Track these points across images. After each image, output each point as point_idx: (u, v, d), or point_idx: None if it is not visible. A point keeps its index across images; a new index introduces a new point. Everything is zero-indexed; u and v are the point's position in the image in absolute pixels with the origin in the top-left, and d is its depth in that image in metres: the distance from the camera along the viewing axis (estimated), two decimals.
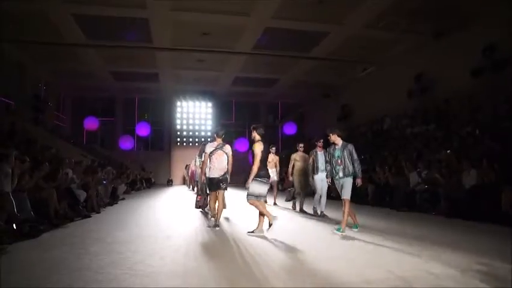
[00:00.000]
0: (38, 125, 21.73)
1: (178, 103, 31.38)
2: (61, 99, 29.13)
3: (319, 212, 8.65)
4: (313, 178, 8.80)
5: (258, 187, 6.14)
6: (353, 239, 5.77)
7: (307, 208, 9.31)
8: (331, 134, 6.50)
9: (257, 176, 6.13)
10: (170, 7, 14.48)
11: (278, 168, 11.37)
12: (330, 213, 8.56)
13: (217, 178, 6.76)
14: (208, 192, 7.59)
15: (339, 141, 6.46)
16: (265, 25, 16.14)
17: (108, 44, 18.50)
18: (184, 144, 31.60)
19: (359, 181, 6.27)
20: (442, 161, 10.58)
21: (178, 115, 31.63)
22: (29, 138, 15.39)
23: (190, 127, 31.92)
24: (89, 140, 29.84)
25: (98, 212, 9.26)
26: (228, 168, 6.87)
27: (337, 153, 6.40)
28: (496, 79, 13.00)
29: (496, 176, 8.10)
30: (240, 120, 33.38)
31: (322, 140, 8.53)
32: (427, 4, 13.80)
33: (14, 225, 5.39)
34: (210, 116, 32.05)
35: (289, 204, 10.54)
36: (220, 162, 6.79)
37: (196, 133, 31.89)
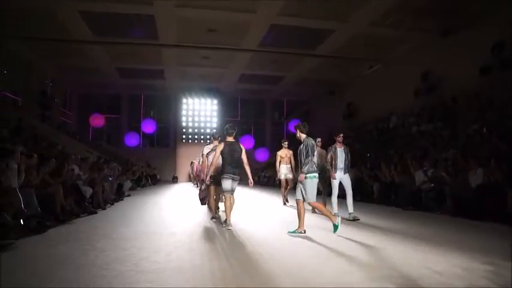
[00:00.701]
0: (45, 121, 21.88)
1: (184, 100, 31.48)
2: (67, 96, 29.33)
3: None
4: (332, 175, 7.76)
5: (223, 183, 6.55)
6: (357, 237, 5.76)
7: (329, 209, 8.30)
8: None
9: (222, 172, 6.55)
10: (176, 4, 14.52)
11: (293, 163, 10.31)
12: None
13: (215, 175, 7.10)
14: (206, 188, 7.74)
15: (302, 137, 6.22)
16: (271, 22, 16.13)
17: (114, 41, 18.58)
18: (190, 141, 31.73)
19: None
20: (449, 159, 10.52)
21: (183, 112, 31.76)
22: (36, 135, 15.50)
23: (196, 124, 32.03)
24: (95, 137, 30.04)
25: (104, 209, 9.30)
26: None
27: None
28: (505, 77, 12.89)
29: (502, 176, 8.04)
30: (245, 117, 33.42)
31: (342, 135, 7.81)
32: (434, 2, 13.72)
33: (21, 220, 5.44)
34: (215, 113, 32.16)
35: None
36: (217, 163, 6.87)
37: (202, 130, 32.01)
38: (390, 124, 19.41)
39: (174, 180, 29.14)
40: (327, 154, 7.98)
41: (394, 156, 14.05)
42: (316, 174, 5.95)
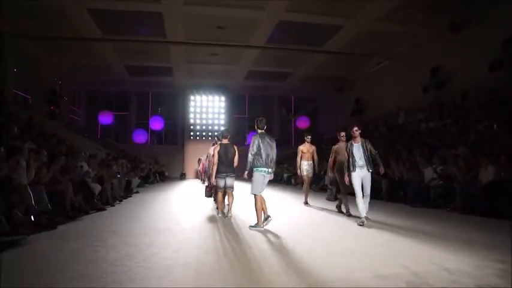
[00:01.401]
0: (54, 119, 22.07)
1: (192, 97, 31.52)
2: (76, 94, 29.53)
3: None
4: (349, 176, 6.99)
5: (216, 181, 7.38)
6: (365, 234, 5.74)
7: (354, 210, 7.51)
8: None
9: (217, 172, 7.27)
10: (184, 1, 14.52)
11: (316, 159, 9.82)
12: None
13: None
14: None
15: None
16: (279, 18, 16.07)
17: (123, 39, 18.66)
18: (198, 138, 31.78)
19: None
20: (459, 156, 10.42)
21: (191, 109, 31.78)
22: (45, 132, 15.63)
23: (204, 121, 32.06)
24: (103, 134, 30.21)
25: (112, 205, 9.38)
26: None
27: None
28: None
29: None
30: (253, 114, 33.36)
31: (356, 128, 6.94)
32: None
33: (32, 217, 5.50)
34: (223, 110, 32.15)
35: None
36: None
37: (210, 127, 32.01)
38: (399, 120, 19.29)
39: (182, 177, 29.23)
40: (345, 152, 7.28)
41: (403, 152, 13.95)
42: (263, 169, 6.12)
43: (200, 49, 20.54)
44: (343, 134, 8.17)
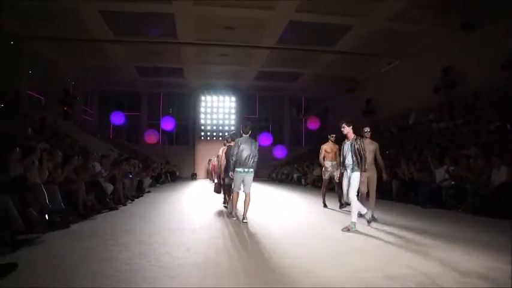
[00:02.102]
0: (67, 119, 22.38)
1: (202, 98, 31.66)
2: (88, 94, 29.88)
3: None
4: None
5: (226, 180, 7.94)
6: (375, 234, 5.73)
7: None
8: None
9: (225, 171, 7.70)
10: (194, 2, 14.61)
11: (338, 160, 8.64)
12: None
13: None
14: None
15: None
16: (289, 19, 16.08)
17: (134, 40, 18.85)
18: (208, 138, 31.89)
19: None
20: (470, 156, 10.30)
21: (202, 110, 31.92)
22: (59, 132, 15.87)
23: (214, 121, 32.17)
24: (115, 134, 30.50)
25: (124, 205, 9.48)
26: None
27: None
28: None
29: None
30: (263, 114, 33.43)
31: (344, 123, 6.28)
32: None
33: (46, 216, 5.61)
34: (233, 111, 32.22)
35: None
36: None
37: (220, 127, 32.10)
38: (410, 121, 19.14)
39: (193, 177, 29.36)
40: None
41: (413, 153, 13.85)
42: (241, 169, 6.87)
43: (211, 50, 20.64)
44: (367, 129, 7.45)
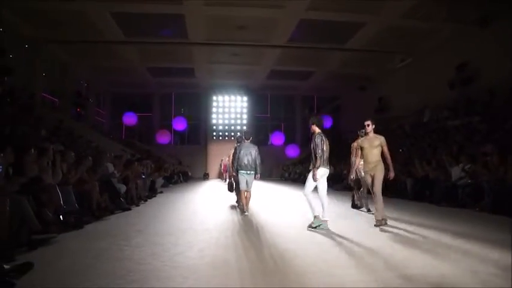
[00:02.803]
0: (80, 121, 22.63)
1: (214, 98, 31.69)
2: (101, 96, 30.16)
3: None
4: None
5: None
6: (391, 233, 5.65)
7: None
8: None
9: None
10: (205, 2, 14.63)
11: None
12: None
13: None
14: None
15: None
16: (300, 17, 15.98)
17: (145, 41, 18.96)
18: (220, 138, 31.90)
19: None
20: (487, 154, 10.09)
21: (214, 109, 31.95)
22: (72, 134, 16.05)
23: (226, 121, 32.16)
24: (128, 135, 30.71)
25: (137, 205, 9.52)
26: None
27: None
28: None
29: None
30: (275, 113, 33.32)
31: (312, 118, 6.27)
32: None
33: (61, 216, 5.65)
34: (245, 110, 32.16)
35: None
36: None
37: (232, 127, 32.07)
38: (424, 118, 18.90)
39: (205, 177, 29.42)
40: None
41: (428, 151, 13.67)
42: (243, 171, 8.00)
43: (222, 49, 20.66)
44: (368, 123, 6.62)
